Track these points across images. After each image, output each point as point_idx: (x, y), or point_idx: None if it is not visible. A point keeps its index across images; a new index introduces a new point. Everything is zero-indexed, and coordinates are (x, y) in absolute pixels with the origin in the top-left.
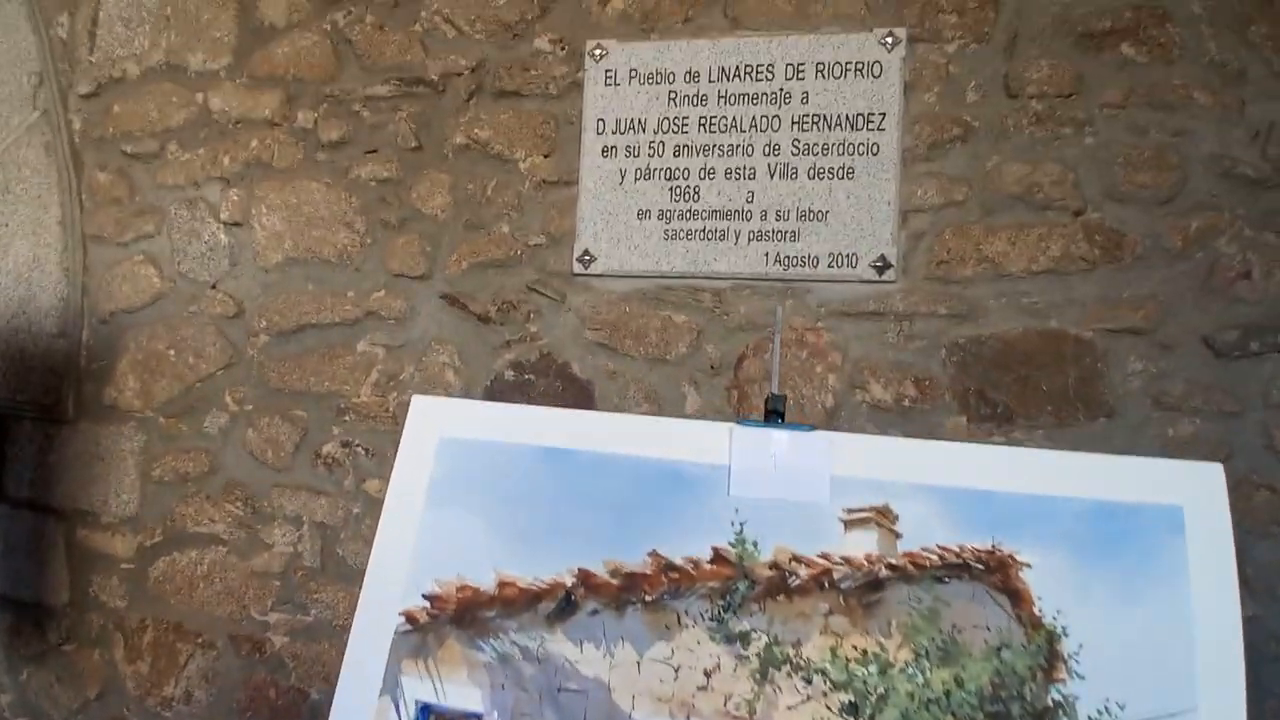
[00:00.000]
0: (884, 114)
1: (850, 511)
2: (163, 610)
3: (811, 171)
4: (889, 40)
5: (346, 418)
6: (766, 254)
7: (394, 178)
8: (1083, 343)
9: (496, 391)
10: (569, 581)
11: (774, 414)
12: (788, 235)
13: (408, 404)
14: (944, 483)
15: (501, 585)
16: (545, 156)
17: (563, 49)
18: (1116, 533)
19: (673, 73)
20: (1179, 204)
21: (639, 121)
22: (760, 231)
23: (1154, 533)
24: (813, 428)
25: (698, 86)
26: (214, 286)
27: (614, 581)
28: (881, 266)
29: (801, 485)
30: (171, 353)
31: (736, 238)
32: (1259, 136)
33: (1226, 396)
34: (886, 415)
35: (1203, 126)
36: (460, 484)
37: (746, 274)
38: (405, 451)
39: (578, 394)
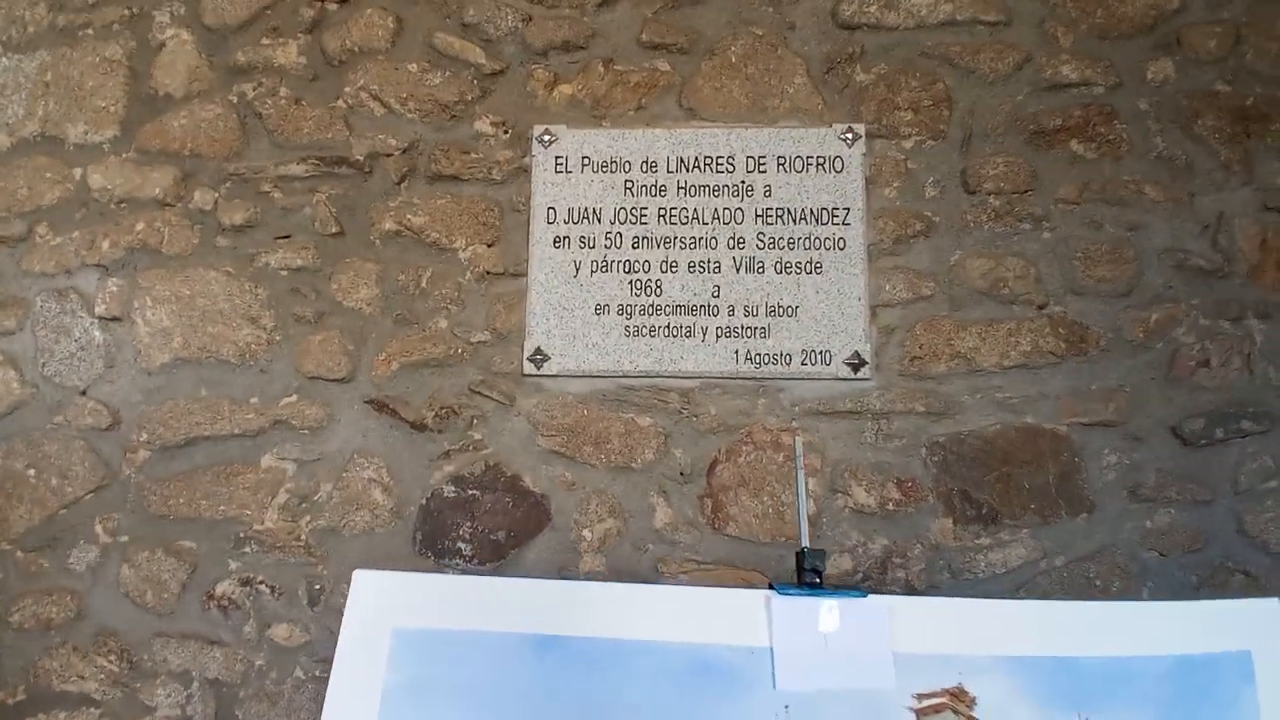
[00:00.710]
0: (848, 208)
1: (921, 698)
2: None
3: (779, 265)
4: (849, 135)
5: (246, 549)
6: (736, 351)
7: (310, 266)
8: (1059, 438)
9: (433, 511)
10: None
11: (812, 572)
12: (757, 331)
13: (322, 531)
14: (1020, 651)
15: None
16: (489, 246)
17: (506, 132)
18: (1195, 689)
19: (628, 161)
20: (1137, 296)
21: (593, 211)
22: (729, 328)
23: (1229, 683)
24: (864, 592)
25: (656, 177)
26: (84, 393)
27: None
28: (856, 364)
29: (861, 669)
30: (31, 473)
31: (703, 334)
32: (1209, 228)
33: (1197, 485)
34: (870, 519)
35: (1154, 220)
36: (422, 692)
37: (715, 373)
38: (347, 648)
39: (530, 510)
